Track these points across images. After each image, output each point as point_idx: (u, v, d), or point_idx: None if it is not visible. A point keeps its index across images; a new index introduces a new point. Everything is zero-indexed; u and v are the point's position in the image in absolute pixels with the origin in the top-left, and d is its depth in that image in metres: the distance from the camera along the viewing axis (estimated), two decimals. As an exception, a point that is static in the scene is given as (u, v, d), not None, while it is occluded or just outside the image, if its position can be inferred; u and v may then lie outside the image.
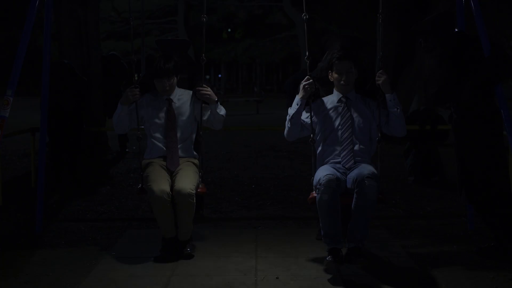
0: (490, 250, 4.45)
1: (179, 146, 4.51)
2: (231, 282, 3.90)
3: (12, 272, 4.14)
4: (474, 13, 4.47)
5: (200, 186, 4.45)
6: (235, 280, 3.94)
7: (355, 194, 3.99)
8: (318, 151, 4.37)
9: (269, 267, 4.21)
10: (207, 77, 49.16)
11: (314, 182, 4.16)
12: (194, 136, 4.67)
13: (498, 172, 4.42)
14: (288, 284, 3.89)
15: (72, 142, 7.37)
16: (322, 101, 4.40)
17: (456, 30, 4.64)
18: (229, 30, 42.71)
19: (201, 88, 4.42)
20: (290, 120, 4.31)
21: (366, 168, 4.06)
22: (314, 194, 4.13)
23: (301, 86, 4.25)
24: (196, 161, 4.59)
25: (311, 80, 4.24)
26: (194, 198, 4.29)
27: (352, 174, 4.07)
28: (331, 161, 4.27)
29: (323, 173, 4.06)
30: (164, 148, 4.50)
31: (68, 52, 9.46)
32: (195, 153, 4.65)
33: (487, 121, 4.41)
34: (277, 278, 3.98)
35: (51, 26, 5.20)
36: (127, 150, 10.43)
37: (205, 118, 4.55)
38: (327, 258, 3.98)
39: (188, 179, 4.30)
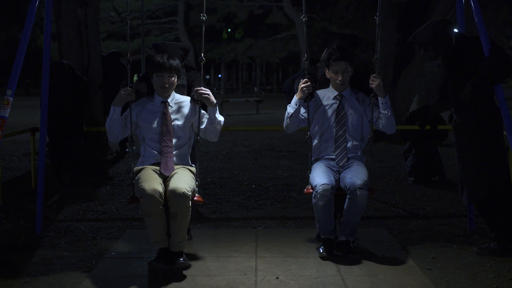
0: (490, 250, 4.46)
1: (174, 152, 4.23)
2: (231, 282, 3.90)
3: (12, 272, 4.13)
4: (474, 13, 4.47)
5: (197, 195, 4.17)
6: (235, 280, 3.94)
7: (347, 199, 4.30)
8: (314, 144, 4.62)
9: (269, 267, 4.21)
10: (207, 77, 49.15)
11: (311, 181, 4.42)
12: (190, 149, 4.38)
13: (498, 172, 4.42)
14: (288, 284, 3.89)
15: (72, 142, 7.36)
16: (318, 96, 4.62)
17: (455, 31, 4.64)
18: (229, 30, 42.74)
19: (200, 88, 4.20)
20: (289, 118, 4.54)
21: (359, 175, 4.28)
22: (309, 189, 4.40)
23: (299, 87, 4.44)
24: (192, 169, 4.31)
25: (309, 83, 4.43)
26: (190, 202, 3.99)
27: (346, 180, 4.31)
28: (326, 156, 4.56)
29: (319, 179, 4.28)
30: (158, 154, 4.20)
31: (68, 52, 9.47)
32: (191, 164, 4.38)
33: (487, 121, 4.41)
34: (277, 278, 3.98)
35: (51, 26, 5.20)
36: (127, 150, 10.44)
37: (202, 126, 4.27)
38: (320, 249, 4.40)
39: (183, 181, 4.02)
